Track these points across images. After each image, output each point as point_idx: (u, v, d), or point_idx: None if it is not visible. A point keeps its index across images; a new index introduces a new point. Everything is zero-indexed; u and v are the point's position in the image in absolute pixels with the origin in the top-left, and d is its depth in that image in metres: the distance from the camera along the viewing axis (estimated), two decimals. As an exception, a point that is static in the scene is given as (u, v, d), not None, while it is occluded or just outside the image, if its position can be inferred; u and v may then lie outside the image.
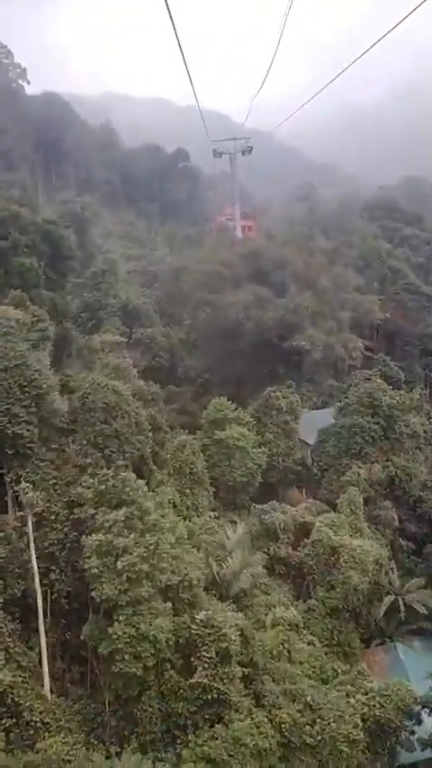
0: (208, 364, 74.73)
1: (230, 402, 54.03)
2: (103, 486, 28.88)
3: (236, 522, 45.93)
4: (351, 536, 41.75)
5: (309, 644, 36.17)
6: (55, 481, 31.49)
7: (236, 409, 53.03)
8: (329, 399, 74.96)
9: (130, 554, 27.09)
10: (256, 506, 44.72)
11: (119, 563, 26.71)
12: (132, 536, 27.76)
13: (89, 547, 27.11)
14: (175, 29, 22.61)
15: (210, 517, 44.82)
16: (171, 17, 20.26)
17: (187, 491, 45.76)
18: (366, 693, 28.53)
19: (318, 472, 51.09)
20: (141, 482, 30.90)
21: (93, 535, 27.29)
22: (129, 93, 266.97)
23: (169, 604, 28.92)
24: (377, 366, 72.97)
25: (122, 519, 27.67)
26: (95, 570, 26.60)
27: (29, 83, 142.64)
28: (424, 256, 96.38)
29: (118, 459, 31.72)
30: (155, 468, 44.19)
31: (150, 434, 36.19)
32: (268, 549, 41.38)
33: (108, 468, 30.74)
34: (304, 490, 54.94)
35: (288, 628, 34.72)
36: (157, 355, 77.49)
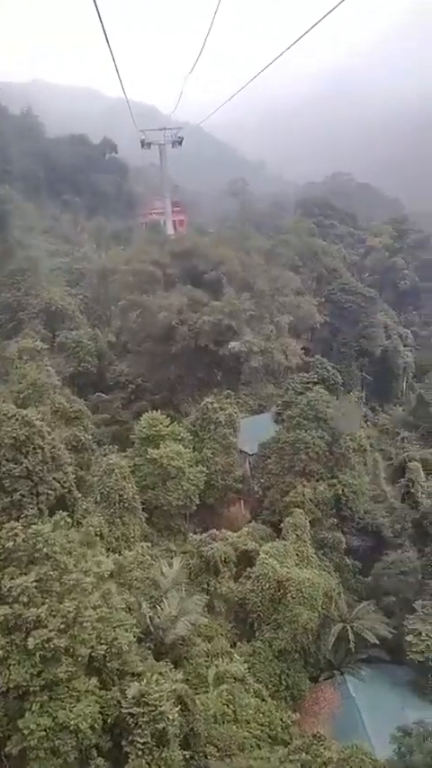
0: (139, 369, 70.18)
1: (164, 414, 49.65)
2: (11, 543, 23.78)
3: (172, 553, 41.93)
4: (297, 565, 38.37)
5: (255, 694, 32.40)
6: None
7: (171, 423, 48.64)
8: (266, 402, 72.19)
9: (45, 627, 22.25)
10: (194, 536, 40.60)
11: (30, 640, 21.83)
12: (47, 603, 22.91)
13: (-8, 622, 22.07)
14: (99, 14, 19.23)
15: (142, 548, 40.48)
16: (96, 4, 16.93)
17: (117, 520, 41.18)
18: (325, 765, 25.02)
19: (259, 490, 47.51)
20: (58, 534, 25.89)
21: (-4, 607, 22.25)
22: (56, 82, 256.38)
23: (94, 679, 24.29)
24: (314, 369, 70.78)
25: (34, 583, 22.74)
26: (0, 652, 21.59)
27: None
28: (358, 254, 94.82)
29: (30, 505, 26.62)
30: (79, 496, 39.30)
31: (70, 468, 31.17)
32: (208, 585, 37.35)
33: (18, 517, 25.63)
34: (243, 502, 51.39)
35: (233, 682, 30.83)
36: (84, 360, 72.37)
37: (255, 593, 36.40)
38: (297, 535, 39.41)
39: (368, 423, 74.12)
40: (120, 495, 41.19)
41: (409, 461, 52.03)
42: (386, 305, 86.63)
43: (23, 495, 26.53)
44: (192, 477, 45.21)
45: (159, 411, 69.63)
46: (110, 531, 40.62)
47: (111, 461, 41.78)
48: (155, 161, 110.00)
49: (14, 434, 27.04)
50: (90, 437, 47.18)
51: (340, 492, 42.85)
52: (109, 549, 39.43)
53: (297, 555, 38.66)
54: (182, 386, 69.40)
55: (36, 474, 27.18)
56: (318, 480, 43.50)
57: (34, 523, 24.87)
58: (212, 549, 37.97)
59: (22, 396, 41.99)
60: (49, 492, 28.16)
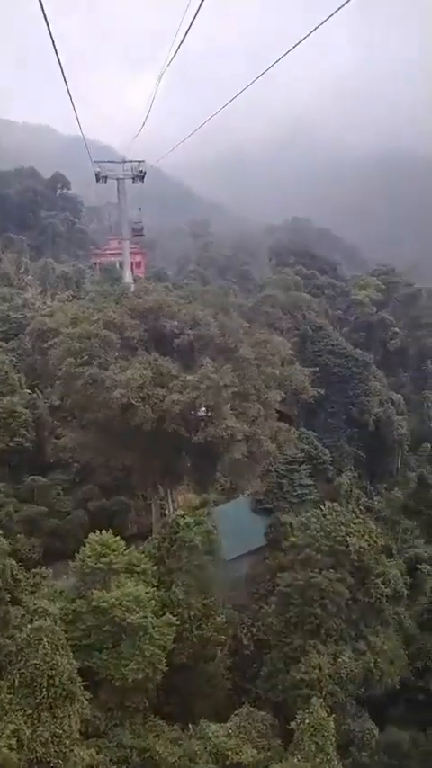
0: (87, 445, 56.68)
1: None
2: None
3: (128, 751, 28.81)
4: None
5: None
6: None
7: (126, 548, 34.91)
8: (239, 480, 60.22)
9: None
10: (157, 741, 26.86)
11: None
12: None
13: None
14: (56, 49, 17.10)
15: (82, 759, 26.97)
16: (52, 38, 15.25)
17: (44, 714, 27.50)
18: None
19: (249, 643, 34.09)
20: None
21: None
22: (9, 118, 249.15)
23: None
24: (300, 446, 59.61)
25: None
26: None
27: None
28: (341, 309, 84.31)
29: None
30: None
31: None
32: None
33: None
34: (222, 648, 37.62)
35: None
36: (17, 434, 58.65)
37: None
38: (318, 745, 26.09)
39: (361, 507, 62.91)
40: (49, 678, 27.60)
41: (419, 564, 41.48)
42: (373, 366, 76.26)
43: None
44: (157, 636, 31.58)
45: (112, 496, 56.65)
46: (33, 733, 27.11)
47: (36, 626, 27.98)
48: (112, 199, 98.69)
49: None
50: (9, 574, 33.15)
51: (371, 664, 29.88)
52: (32, 762, 26.22)
53: (322, 782, 25.41)
54: (141, 468, 56.09)
55: None
56: (337, 642, 30.51)
57: None
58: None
59: None
60: None
